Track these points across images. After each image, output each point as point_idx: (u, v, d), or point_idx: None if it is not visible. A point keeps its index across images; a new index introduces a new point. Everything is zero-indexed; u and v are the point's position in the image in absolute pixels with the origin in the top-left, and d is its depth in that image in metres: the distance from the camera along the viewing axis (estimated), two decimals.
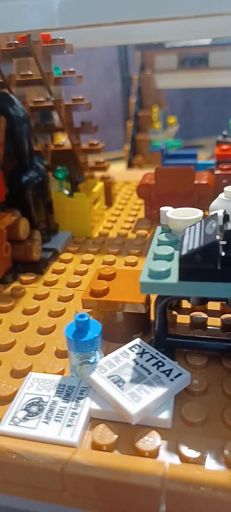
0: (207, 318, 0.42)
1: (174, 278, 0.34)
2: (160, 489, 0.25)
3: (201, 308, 0.44)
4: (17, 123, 0.58)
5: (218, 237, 0.32)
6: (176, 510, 0.26)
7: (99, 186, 0.71)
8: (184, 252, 0.33)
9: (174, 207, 0.44)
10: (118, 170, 1.30)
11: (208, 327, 0.42)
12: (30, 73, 0.60)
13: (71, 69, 0.61)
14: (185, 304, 0.45)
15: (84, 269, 0.55)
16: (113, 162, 1.62)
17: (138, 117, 1.26)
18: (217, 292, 0.33)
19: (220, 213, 0.36)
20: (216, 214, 0.37)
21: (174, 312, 0.44)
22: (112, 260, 0.57)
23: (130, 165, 1.22)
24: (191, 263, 0.32)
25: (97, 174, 0.80)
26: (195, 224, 0.38)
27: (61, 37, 0.56)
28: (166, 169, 0.67)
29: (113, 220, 0.72)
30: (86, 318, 0.34)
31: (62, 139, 0.88)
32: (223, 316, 0.42)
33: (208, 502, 0.25)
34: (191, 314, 0.43)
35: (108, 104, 1.95)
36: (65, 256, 0.59)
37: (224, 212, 0.35)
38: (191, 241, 0.34)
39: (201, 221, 0.38)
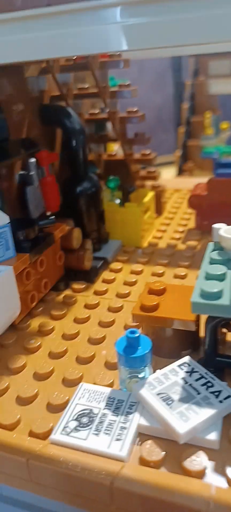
0: None
1: (226, 299, 0.34)
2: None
3: None
4: (73, 136, 0.60)
5: None
6: None
7: (150, 195, 0.72)
8: None
9: (226, 220, 0.43)
10: (168, 176, 1.30)
11: None
12: (86, 86, 0.62)
13: (127, 83, 0.62)
14: None
15: (134, 280, 0.56)
16: (162, 167, 1.63)
17: (190, 123, 1.25)
18: None
19: None
20: None
21: (224, 330, 0.44)
22: (161, 271, 0.57)
23: (181, 171, 1.21)
24: None
25: (148, 183, 0.81)
26: None
27: (118, 53, 0.57)
28: (219, 180, 0.66)
29: (163, 229, 0.73)
30: (137, 335, 0.35)
31: (115, 148, 0.89)
32: None
33: None
34: None
35: (160, 109, 1.95)
36: (115, 265, 0.60)
37: None
38: None
39: None
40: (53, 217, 0.52)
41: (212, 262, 0.40)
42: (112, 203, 0.68)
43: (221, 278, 0.36)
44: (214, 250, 0.42)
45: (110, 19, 0.32)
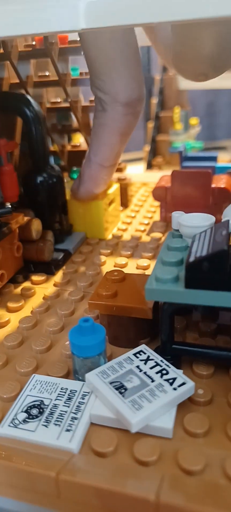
0: (217, 326, 0.42)
1: (181, 285, 0.33)
2: (154, 501, 0.25)
3: (213, 314, 0.43)
4: (33, 124, 0.58)
5: (226, 245, 0.31)
6: None
7: (115, 187, 0.71)
8: (191, 259, 0.33)
9: (189, 211, 0.43)
10: (136, 171, 1.30)
11: (219, 335, 0.41)
12: (47, 74, 0.61)
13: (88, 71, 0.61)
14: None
15: (96, 271, 0.55)
16: (133, 163, 1.62)
17: (159, 118, 1.25)
18: (225, 302, 0.32)
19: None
20: (227, 221, 0.36)
21: (183, 319, 0.43)
22: (124, 262, 0.57)
23: (150, 166, 1.21)
24: (198, 271, 0.32)
25: (114, 175, 0.80)
26: (205, 231, 0.37)
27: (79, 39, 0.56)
28: (182, 172, 0.66)
29: (128, 222, 0.72)
30: (90, 323, 0.34)
31: (80, 140, 0.88)
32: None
33: None
34: (200, 321, 0.43)
35: None
36: (77, 257, 0.59)
37: None
38: (200, 248, 0.34)
39: (212, 228, 0.37)
40: (9, 206, 0.50)
41: (170, 249, 0.39)
42: None
43: (177, 264, 0.36)
44: (173, 238, 0.42)
45: None
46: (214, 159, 0.82)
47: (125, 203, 0.78)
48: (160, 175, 0.75)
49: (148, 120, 1.29)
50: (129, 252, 0.60)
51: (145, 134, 1.29)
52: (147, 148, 1.23)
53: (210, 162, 0.80)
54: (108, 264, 0.58)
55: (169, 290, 0.33)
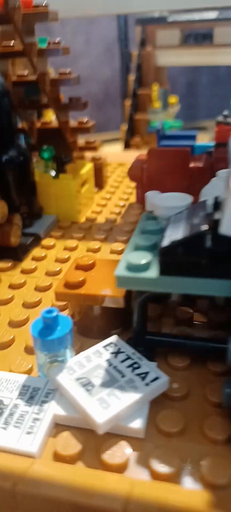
0: (193, 314, 0.40)
1: (154, 272, 0.31)
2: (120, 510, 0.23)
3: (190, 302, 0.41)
4: None
5: (204, 227, 0.29)
6: None
7: (88, 167, 0.68)
8: (165, 243, 0.30)
9: (167, 191, 0.41)
10: (113, 150, 1.26)
11: (195, 322, 0.39)
12: (12, 44, 0.57)
13: (57, 40, 0.58)
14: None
15: (67, 256, 0.52)
16: (111, 143, 1.59)
17: (137, 96, 1.22)
18: (202, 289, 0.30)
19: (210, 200, 0.33)
20: (205, 201, 0.34)
21: (158, 307, 0.41)
22: (97, 247, 0.54)
23: (127, 146, 1.18)
24: (173, 256, 0.30)
25: (88, 154, 0.77)
26: (181, 212, 0.35)
27: (44, 4, 0.52)
28: (159, 150, 0.64)
29: (103, 204, 0.70)
30: (54, 314, 0.32)
31: (53, 117, 0.84)
32: (211, 312, 0.40)
33: None
34: (176, 309, 0.41)
35: (108, 82, 1.90)
36: (47, 242, 0.56)
37: (216, 199, 0.32)
38: (175, 231, 0.31)
39: (188, 209, 0.35)
40: None
41: (143, 232, 0.37)
42: (47, 175, 0.64)
43: (151, 249, 0.34)
44: (147, 220, 0.40)
45: None
46: (193, 138, 0.80)
47: (99, 184, 0.75)
48: (137, 155, 0.72)
49: (125, 97, 1.25)
50: (103, 236, 0.57)
51: (122, 112, 1.26)
52: (124, 127, 1.20)
53: (188, 141, 0.77)
54: (81, 249, 0.55)
55: (142, 278, 0.31)
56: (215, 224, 0.29)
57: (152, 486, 0.25)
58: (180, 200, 0.37)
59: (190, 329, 0.38)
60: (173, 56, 1.21)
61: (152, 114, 1.17)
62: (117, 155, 1.02)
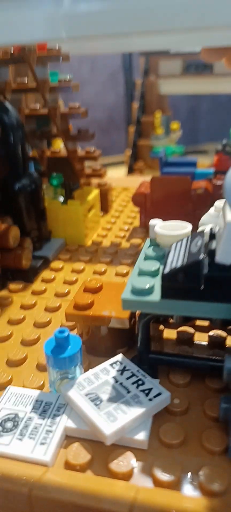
0: (194, 334, 0.42)
1: (156, 295, 0.33)
2: None
3: (190, 322, 0.44)
4: (10, 131, 0.58)
5: (201, 256, 0.31)
6: None
7: (94, 193, 0.71)
8: (167, 270, 0.33)
9: (169, 217, 0.43)
10: (118, 175, 1.30)
11: (196, 342, 0.42)
12: (26, 80, 0.60)
13: (68, 78, 0.61)
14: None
15: (75, 278, 0.55)
16: (115, 166, 1.63)
17: (141, 122, 1.26)
18: (200, 312, 0.32)
19: (207, 229, 0.36)
20: (203, 230, 0.37)
21: (161, 327, 0.44)
22: (103, 270, 0.57)
23: (131, 170, 1.22)
24: (174, 282, 0.32)
25: (95, 181, 0.80)
26: (181, 240, 0.37)
27: (57, 46, 0.56)
28: (161, 178, 0.66)
29: (108, 228, 0.72)
30: (66, 334, 0.34)
31: (61, 146, 0.88)
32: (211, 332, 0.42)
33: None
34: (178, 329, 0.43)
35: (112, 109, 1.95)
36: (56, 264, 0.59)
37: (211, 229, 0.35)
38: (176, 258, 0.34)
39: (188, 237, 0.37)
40: None
41: (147, 258, 0.39)
42: (55, 201, 0.67)
43: (154, 274, 0.36)
44: (150, 246, 0.42)
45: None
46: (193, 164, 0.83)
47: (105, 209, 0.78)
48: (140, 180, 0.75)
49: (129, 124, 1.29)
50: (108, 259, 0.60)
51: (126, 138, 1.29)
52: (128, 152, 1.23)
53: (189, 167, 0.80)
54: (88, 271, 0.58)
55: (145, 301, 0.33)
56: (211, 253, 0.31)
57: (154, 493, 0.27)
58: (180, 228, 0.39)
59: (191, 348, 0.40)
60: (175, 85, 1.25)
61: (155, 140, 1.21)
62: (121, 180, 1.05)
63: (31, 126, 0.68)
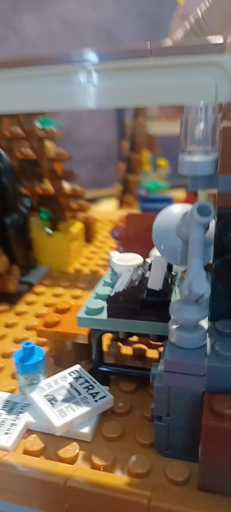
0: (146, 350, 0.48)
1: (104, 315, 0.40)
2: (62, 486, 0.31)
3: (144, 341, 0.49)
4: (3, 173, 0.65)
5: (136, 283, 0.38)
6: (79, 505, 0.31)
7: (78, 226, 0.78)
8: (112, 293, 0.39)
9: (142, 249, 0.49)
10: (109, 206, 1.37)
11: (148, 356, 0.47)
12: (18, 130, 0.68)
13: (53, 130, 0.68)
14: (134, 337, 0.51)
15: (53, 302, 0.61)
16: (110, 198, 1.71)
17: (130, 160, 1.34)
18: (138, 328, 0.38)
19: (149, 260, 0.42)
20: (146, 262, 0.43)
21: (120, 344, 0.49)
22: (80, 294, 0.63)
23: (121, 203, 1.29)
24: (116, 303, 0.38)
25: (81, 214, 0.87)
26: (130, 269, 0.44)
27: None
28: (135, 215, 0.73)
29: (90, 257, 0.79)
30: (31, 345, 0.40)
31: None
32: (160, 348, 0.48)
33: (100, 499, 0.30)
34: (133, 345, 0.49)
35: (109, 145, 2.05)
36: (39, 289, 0.65)
37: (149, 262, 0.41)
38: (121, 284, 0.40)
39: (135, 267, 0.44)
40: None
41: (104, 284, 0.46)
42: (42, 232, 0.73)
43: (105, 297, 0.42)
44: (110, 274, 0.48)
45: (73, 81, 0.33)
46: (169, 201, 0.90)
47: (89, 239, 0.85)
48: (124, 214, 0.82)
49: (120, 161, 1.37)
50: (85, 285, 0.66)
51: (116, 173, 1.37)
52: (118, 187, 1.31)
53: (165, 203, 0.87)
54: (66, 295, 0.64)
55: (95, 319, 0.40)
56: (145, 280, 0.37)
57: (89, 472, 0.32)
58: (132, 260, 0.46)
59: (142, 362, 0.46)
60: (162, 127, 1.33)
61: (143, 176, 1.28)
62: (108, 213, 1.12)
63: (23, 167, 0.76)
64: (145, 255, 0.49)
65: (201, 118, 0.28)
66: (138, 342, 0.50)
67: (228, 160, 0.28)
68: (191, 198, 0.78)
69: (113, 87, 0.32)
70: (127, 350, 0.49)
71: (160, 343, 0.47)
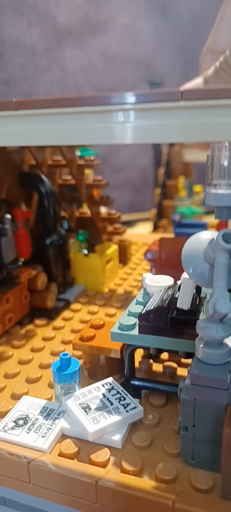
0: (176, 368, 0.50)
1: (136, 331, 0.42)
2: (94, 485, 0.33)
3: (175, 359, 0.52)
4: (45, 197, 0.70)
5: (166, 302, 0.40)
6: (108, 505, 0.34)
7: (113, 248, 0.81)
8: (143, 311, 0.42)
9: (175, 272, 0.52)
10: (144, 230, 1.40)
11: (178, 374, 0.49)
12: (59, 158, 0.73)
13: (92, 158, 0.73)
14: (164, 355, 0.53)
15: (89, 318, 0.64)
16: (146, 222, 1.74)
17: (166, 186, 1.37)
18: (167, 345, 0.41)
19: (179, 282, 0.45)
20: (176, 284, 0.46)
21: (151, 361, 0.52)
22: (114, 313, 0.66)
23: (156, 227, 1.32)
24: (147, 321, 0.41)
25: (116, 237, 0.91)
26: (161, 290, 0.46)
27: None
28: (169, 239, 0.76)
29: (125, 278, 0.82)
30: (68, 356, 0.44)
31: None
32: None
33: (128, 499, 0.33)
34: (164, 363, 0.51)
35: (145, 171, 2.10)
36: (75, 306, 0.69)
37: (179, 283, 0.44)
38: (152, 303, 0.43)
39: (166, 288, 0.47)
40: (20, 262, 0.61)
41: (137, 303, 0.49)
42: (79, 253, 0.78)
43: (138, 315, 0.45)
44: (142, 294, 0.51)
45: (113, 120, 0.37)
46: (203, 226, 0.92)
47: (124, 261, 0.88)
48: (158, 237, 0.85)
49: (156, 187, 1.41)
50: (119, 304, 0.69)
51: (152, 198, 1.41)
52: (154, 211, 1.34)
53: (199, 229, 0.89)
54: (101, 313, 0.67)
55: (127, 334, 0.42)
56: (175, 300, 0.40)
57: (119, 475, 0.35)
58: (163, 281, 0.49)
59: (171, 379, 0.48)
60: (196, 154, 1.36)
61: (178, 201, 1.31)
62: (143, 237, 1.15)
63: (64, 192, 0.81)
64: (177, 277, 0.52)
65: (226, 155, 0.31)
66: (168, 360, 0.52)
67: None
68: (223, 224, 0.80)
69: (147, 124, 0.35)
70: (157, 367, 0.51)
71: (189, 361, 0.49)
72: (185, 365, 0.51)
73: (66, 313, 0.67)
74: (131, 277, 0.83)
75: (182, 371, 0.50)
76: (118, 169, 2.04)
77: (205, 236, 0.38)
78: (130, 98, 0.34)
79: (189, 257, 0.37)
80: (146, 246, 1.03)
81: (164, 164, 1.38)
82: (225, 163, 0.31)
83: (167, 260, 0.74)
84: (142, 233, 1.30)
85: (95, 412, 0.40)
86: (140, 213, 1.94)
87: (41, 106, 0.37)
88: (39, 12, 1.81)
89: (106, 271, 0.77)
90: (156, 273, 0.79)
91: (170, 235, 1.10)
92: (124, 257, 0.88)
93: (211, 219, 1.14)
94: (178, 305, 0.39)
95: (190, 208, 1.27)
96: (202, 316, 0.40)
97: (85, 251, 0.79)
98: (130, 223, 1.91)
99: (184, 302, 0.38)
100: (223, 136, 0.31)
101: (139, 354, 0.53)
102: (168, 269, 0.63)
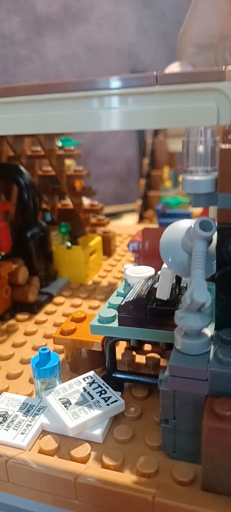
0: (159, 359, 0.49)
1: (116, 323, 0.42)
2: (73, 482, 0.33)
3: (158, 350, 0.51)
4: (25, 189, 0.69)
5: (145, 293, 0.40)
6: (88, 501, 0.33)
7: (96, 240, 0.80)
8: (122, 302, 0.41)
9: (158, 263, 0.51)
10: (130, 221, 1.39)
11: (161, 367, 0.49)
12: (38, 149, 0.72)
13: (72, 148, 0.72)
14: (147, 347, 0.52)
15: (72, 311, 0.63)
16: (132, 213, 1.74)
17: (151, 176, 1.36)
18: (147, 336, 0.40)
19: (159, 272, 0.44)
20: (156, 274, 0.45)
21: (134, 353, 0.51)
22: (97, 305, 0.65)
23: (141, 218, 1.31)
24: (126, 312, 0.40)
25: (100, 229, 0.90)
26: (140, 281, 0.46)
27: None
28: (151, 229, 0.75)
29: (109, 270, 0.81)
30: (47, 351, 0.43)
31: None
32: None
33: (108, 496, 0.32)
34: (146, 355, 0.50)
35: (130, 161, 2.08)
36: (58, 299, 0.68)
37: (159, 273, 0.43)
38: (132, 294, 0.42)
39: (146, 278, 0.46)
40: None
41: (118, 295, 0.48)
42: (62, 246, 0.77)
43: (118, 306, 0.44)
44: (123, 285, 0.50)
45: (87, 106, 0.36)
46: (188, 215, 0.91)
47: (108, 253, 0.87)
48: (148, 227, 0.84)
49: (141, 177, 1.40)
50: (103, 296, 0.68)
51: (138, 189, 1.40)
52: (139, 202, 1.33)
53: (184, 218, 0.89)
54: (84, 306, 0.66)
55: (107, 327, 0.42)
56: (154, 291, 0.39)
57: (99, 470, 0.34)
58: (144, 272, 0.48)
59: (154, 370, 0.48)
60: (181, 144, 1.35)
61: (163, 192, 1.30)
62: (128, 228, 1.14)
63: (44, 184, 0.80)
64: (161, 268, 0.51)
65: (201, 140, 0.30)
66: (151, 351, 0.51)
67: (226, 179, 0.30)
68: (206, 213, 0.80)
69: (123, 111, 0.34)
70: (140, 359, 0.50)
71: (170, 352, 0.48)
72: (167, 356, 0.50)
73: (49, 307, 0.66)
74: (115, 269, 0.82)
75: (165, 362, 0.49)
76: (103, 160, 2.02)
77: (184, 224, 0.37)
78: (104, 83, 0.33)
79: (168, 247, 0.36)
80: (130, 237, 1.02)
81: (148, 154, 1.37)
82: (201, 148, 0.31)
83: (150, 250, 0.73)
84: (127, 225, 1.29)
85: (75, 407, 0.39)
86: (126, 205, 1.93)
87: (13, 93, 0.36)
88: (18, 0, 1.77)
89: (90, 263, 0.76)
90: (139, 264, 0.79)
91: (155, 225, 1.09)
92: (108, 248, 0.87)
93: (196, 209, 1.14)
94: (157, 295, 0.38)
95: (175, 198, 1.26)
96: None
97: (68, 244, 0.78)
98: (116, 215, 1.90)
99: (163, 292, 0.38)
100: (200, 121, 0.31)
101: (121, 346, 0.52)
102: (152, 260, 0.62)
